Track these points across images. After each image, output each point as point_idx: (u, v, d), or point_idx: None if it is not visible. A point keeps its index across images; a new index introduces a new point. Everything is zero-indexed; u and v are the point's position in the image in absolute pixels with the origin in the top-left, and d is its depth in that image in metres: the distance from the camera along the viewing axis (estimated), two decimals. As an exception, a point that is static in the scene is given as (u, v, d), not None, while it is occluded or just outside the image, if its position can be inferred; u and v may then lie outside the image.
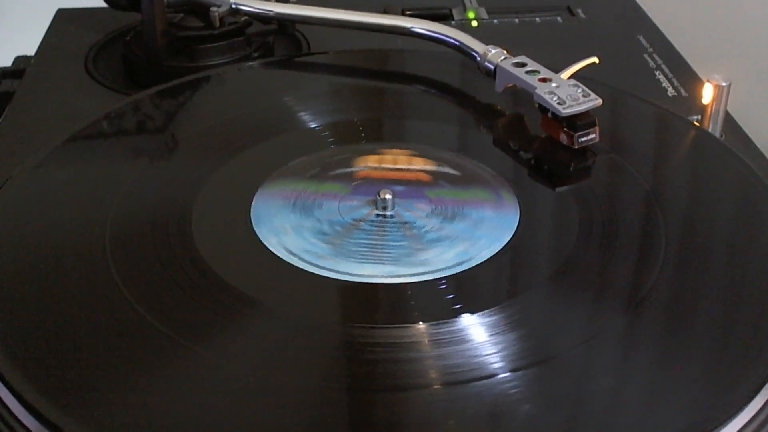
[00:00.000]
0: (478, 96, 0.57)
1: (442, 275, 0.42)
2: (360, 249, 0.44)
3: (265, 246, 0.44)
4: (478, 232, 0.45)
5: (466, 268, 0.43)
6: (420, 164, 0.50)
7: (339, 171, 0.50)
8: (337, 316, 0.41)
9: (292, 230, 0.45)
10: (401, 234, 0.45)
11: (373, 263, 0.43)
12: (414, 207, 0.47)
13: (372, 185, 0.48)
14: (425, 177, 0.50)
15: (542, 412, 0.36)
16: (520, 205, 0.47)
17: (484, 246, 0.44)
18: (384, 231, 0.45)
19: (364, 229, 0.45)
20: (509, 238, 0.45)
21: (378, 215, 0.46)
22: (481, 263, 0.43)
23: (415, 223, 0.46)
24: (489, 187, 0.49)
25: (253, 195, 0.47)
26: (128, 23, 0.67)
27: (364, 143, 0.52)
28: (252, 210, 0.46)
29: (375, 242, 0.45)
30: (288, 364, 0.38)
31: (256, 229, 0.45)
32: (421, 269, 0.43)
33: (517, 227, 0.45)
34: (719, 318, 0.41)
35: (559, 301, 0.42)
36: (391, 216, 0.46)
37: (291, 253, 0.44)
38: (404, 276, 0.42)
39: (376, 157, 0.51)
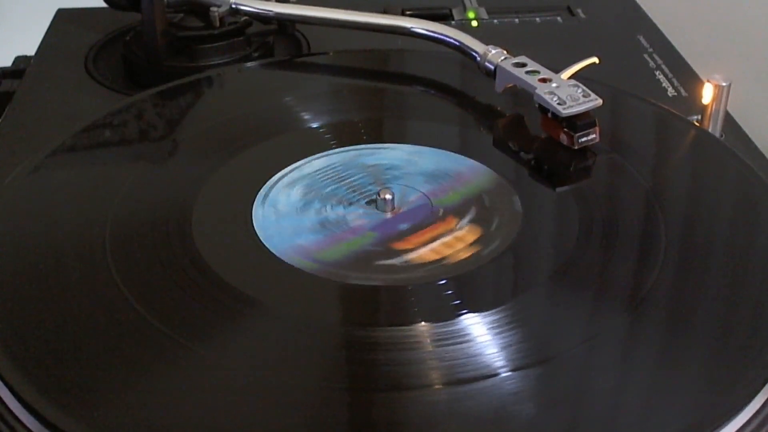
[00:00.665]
0: (478, 96, 0.57)
1: (442, 276, 0.42)
2: (361, 249, 0.44)
3: (265, 246, 0.44)
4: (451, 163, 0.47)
5: (467, 270, 0.43)
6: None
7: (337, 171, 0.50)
8: (337, 316, 0.41)
9: (293, 231, 0.45)
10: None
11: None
12: (414, 206, 0.47)
13: (371, 185, 0.48)
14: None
15: (543, 412, 0.36)
16: (520, 205, 0.47)
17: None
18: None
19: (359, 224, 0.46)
20: (509, 238, 0.45)
21: (378, 215, 0.46)
22: (481, 263, 0.43)
23: (415, 222, 0.46)
24: (488, 185, 0.49)
25: (253, 195, 0.47)
26: (128, 23, 0.67)
27: (363, 143, 0.52)
28: (252, 210, 0.46)
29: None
30: (288, 364, 0.38)
31: (256, 229, 0.45)
32: (422, 269, 0.43)
33: (517, 227, 0.45)
34: (719, 318, 0.41)
35: (559, 301, 0.42)
36: (392, 216, 0.46)
37: (293, 254, 0.43)
38: (405, 276, 0.42)
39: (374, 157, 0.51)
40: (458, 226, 0.46)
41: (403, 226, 0.46)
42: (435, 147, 0.52)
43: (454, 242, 0.45)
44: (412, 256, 0.44)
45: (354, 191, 0.48)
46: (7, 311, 0.40)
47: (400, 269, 0.43)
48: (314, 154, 0.51)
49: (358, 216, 0.46)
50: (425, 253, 0.44)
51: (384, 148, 0.52)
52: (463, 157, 0.51)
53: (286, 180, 0.49)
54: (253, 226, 0.45)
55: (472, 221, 0.46)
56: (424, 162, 0.50)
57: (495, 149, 0.53)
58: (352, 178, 0.49)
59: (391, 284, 0.42)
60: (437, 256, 0.44)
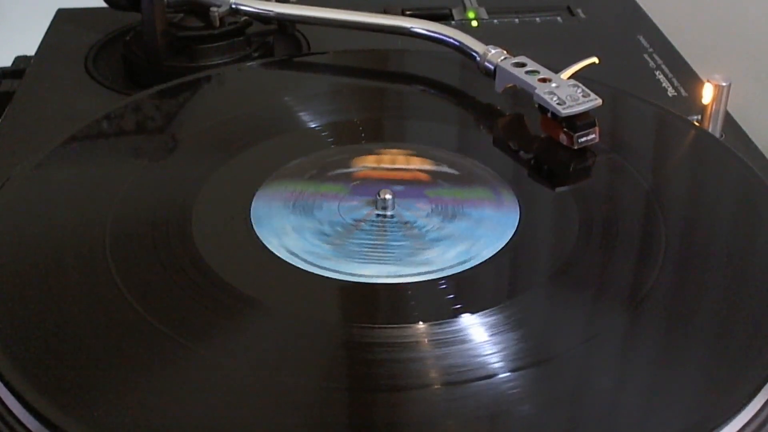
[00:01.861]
0: (478, 96, 0.57)
1: (443, 275, 0.42)
2: (361, 249, 0.44)
3: (265, 246, 0.44)
4: (479, 231, 0.45)
5: (467, 267, 0.43)
6: (418, 164, 0.50)
7: (338, 172, 0.49)
8: (337, 316, 0.41)
9: (293, 231, 0.45)
10: (402, 234, 0.45)
11: (375, 263, 0.43)
12: (414, 207, 0.47)
13: (371, 185, 0.48)
14: (424, 177, 0.49)
15: (542, 412, 0.36)
16: (520, 205, 0.47)
17: (484, 245, 0.44)
18: (385, 231, 0.45)
19: (364, 230, 0.45)
20: (509, 238, 0.45)
21: (378, 215, 0.46)
22: (481, 263, 0.43)
23: (415, 222, 0.46)
24: (488, 186, 0.49)
25: (253, 195, 0.47)
26: (128, 23, 0.67)
27: (364, 143, 0.52)
28: (252, 210, 0.46)
29: (376, 242, 0.45)
30: (288, 364, 0.38)
31: (256, 229, 0.45)
32: (422, 269, 0.43)
33: (517, 227, 0.45)
34: (719, 318, 0.41)
35: (559, 301, 0.42)
36: (392, 216, 0.46)
37: (293, 254, 0.43)
38: (405, 276, 0.42)
39: (373, 157, 0.51)
40: (459, 225, 0.46)
41: (404, 226, 0.46)
42: (435, 146, 0.51)
43: (455, 241, 0.45)
44: (413, 255, 0.44)
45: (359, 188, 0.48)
46: (7, 311, 0.40)
47: (402, 269, 0.43)
48: (315, 151, 0.51)
49: (358, 216, 0.46)
50: (427, 253, 0.44)
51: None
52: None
53: (281, 204, 0.47)
54: (253, 226, 0.45)
55: (472, 220, 0.46)
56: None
57: (495, 149, 0.53)
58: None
59: (391, 284, 0.42)
60: (439, 256, 0.44)
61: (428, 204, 0.47)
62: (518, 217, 0.46)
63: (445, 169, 0.50)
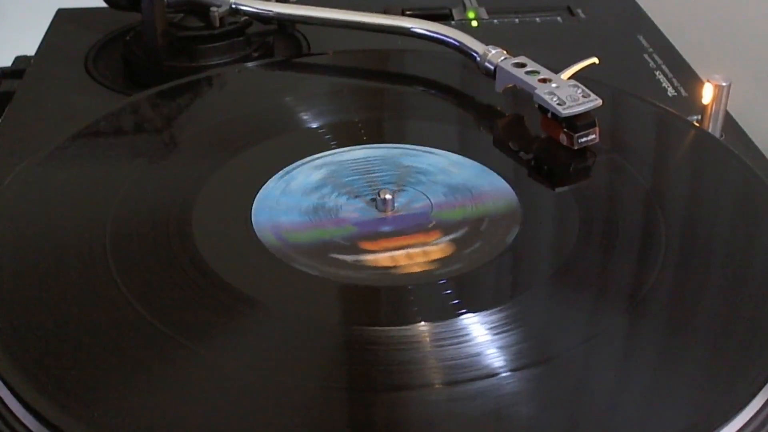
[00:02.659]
0: (478, 96, 0.57)
1: (444, 273, 0.42)
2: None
3: (265, 246, 0.44)
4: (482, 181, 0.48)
5: (467, 270, 0.43)
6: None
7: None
8: (337, 316, 0.41)
9: (291, 210, 0.45)
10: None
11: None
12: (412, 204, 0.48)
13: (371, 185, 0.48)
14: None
15: (542, 412, 0.36)
16: (519, 205, 0.47)
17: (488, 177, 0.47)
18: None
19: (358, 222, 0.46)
20: (509, 238, 0.45)
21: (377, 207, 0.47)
22: (481, 263, 0.43)
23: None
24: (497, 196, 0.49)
25: (254, 195, 0.47)
26: (128, 23, 0.67)
27: (365, 141, 0.52)
28: (252, 209, 0.46)
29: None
30: (288, 364, 0.38)
31: (256, 229, 0.45)
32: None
33: (517, 227, 0.45)
34: (719, 318, 0.41)
35: (559, 301, 0.42)
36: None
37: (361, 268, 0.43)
38: (347, 272, 0.42)
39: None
40: (435, 242, 0.45)
41: (386, 229, 0.46)
42: (473, 159, 0.51)
43: (417, 255, 0.44)
44: (367, 257, 0.43)
45: (369, 186, 0.48)
46: (7, 311, 0.40)
47: (347, 266, 0.43)
48: (318, 153, 0.51)
49: (353, 209, 0.47)
50: (381, 258, 0.43)
51: (431, 153, 0.51)
52: (498, 177, 0.49)
53: (317, 162, 0.49)
54: (253, 226, 0.45)
55: (452, 240, 0.45)
56: (457, 174, 0.49)
57: (495, 149, 0.53)
58: (378, 174, 0.49)
59: (391, 284, 0.42)
60: (389, 264, 0.43)
61: (426, 214, 0.47)
62: (518, 216, 0.46)
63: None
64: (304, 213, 0.46)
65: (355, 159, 0.50)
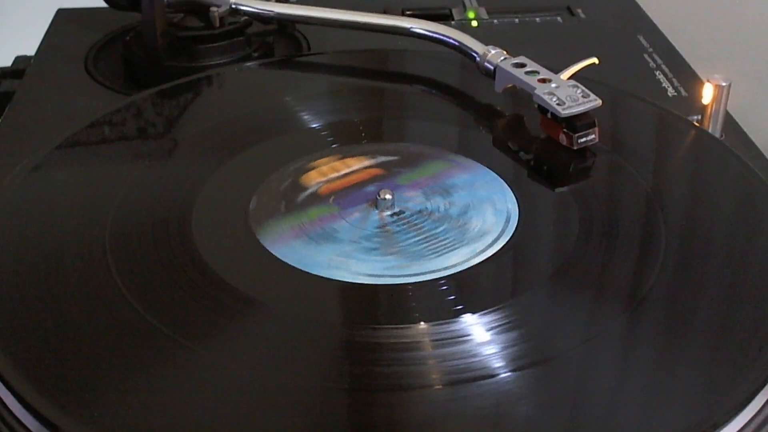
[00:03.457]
0: (478, 96, 0.57)
1: (446, 274, 0.42)
2: (420, 247, 0.44)
3: (265, 246, 0.44)
4: (481, 192, 0.47)
5: (467, 267, 0.43)
6: (358, 163, 0.50)
7: (303, 196, 0.48)
8: (337, 316, 0.41)
9: (347, 259, 0.43)
10: (432, 220, 0.46)
11: (447, 252, 0.44)
12: (406, 197, 0.47)
13: (346, 196, 0.48)
14: (378, 171, 0.50)
15: (542, 412, 0.36)
16: (520, 206, 0.47)
17: (502, 200, 0.47)
18: (415, 224, 0.46)
19: (398, 231, 0.45)
20: (509, 238, 0.45)
21: (393, 214, 0.46)
22: (481, 263, 0.43)
23: (427, 208, 0.47)
24: (437, 158, 0.50)
25: (253, 195, 0.47)
26: (128, 23, 0.67)
27: (365, 143, 0.52)
28: (252, 221, 0.46)
29: (422, 236, 0.45)
30: (288, 364, 0.38)
31: (255, 229, 0.45)
32: (488, 239, 0.44)
33: (517, 227, 0.45)
34: (719, 318, 0.41)
35: (559, 301, 0.42)
36: (402, 211, 0.46)
37: (375, 275, 0.42)
38: (408, 275, 0.42)
39: (314, 173, 0.50)
40: (463, 195, 0.47)
41: (423, 213, 0.46)
42: (474, 159, 0.51)
43: (480, 207, 0.46)
44: (466, 233, 0.44)
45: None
46: (7, 311, 0.40)
47: (347, 266, 0.43)
48: (315, 152, 0.51)
49: (376, 223, 0.46)
50: (474, 223, 0.45)
51: (465, 162, 0.50)
52: (498, 177, 0.49)
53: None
54: (252, 227, 0.45)
55: (464, 186, 0.47)
56: (459, 176, 0.49)
57: (495, 149, 0.53)
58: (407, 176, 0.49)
59: (391, 284, 0.42)
60: (486, 222, 0.45)
61: (414, 190, 0.47)
62: (518, 216, 0.46)
63: (383, 158, 0.50)
64: (374, 247, 0.45)
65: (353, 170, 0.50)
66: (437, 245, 0.44)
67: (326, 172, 0.50)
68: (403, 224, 0.46)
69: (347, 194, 0.48)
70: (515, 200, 0.47)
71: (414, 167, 0.50)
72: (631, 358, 0.39)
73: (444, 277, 0.42)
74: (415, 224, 0.46)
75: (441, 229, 0.45)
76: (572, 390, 0.37)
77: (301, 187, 0.49)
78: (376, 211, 0.47)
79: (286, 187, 0.48)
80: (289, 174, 0.49)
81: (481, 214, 0.46)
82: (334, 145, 0.52)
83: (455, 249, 0.44)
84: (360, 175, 0.49)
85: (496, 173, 0.49)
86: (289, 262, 0.43)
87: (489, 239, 0.44)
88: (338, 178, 0.49)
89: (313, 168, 0.50)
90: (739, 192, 0.49)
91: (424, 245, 0.44)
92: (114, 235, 0.44)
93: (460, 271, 0.43)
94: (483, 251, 0.44)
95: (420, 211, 0.46)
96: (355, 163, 0.50)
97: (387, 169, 0.50)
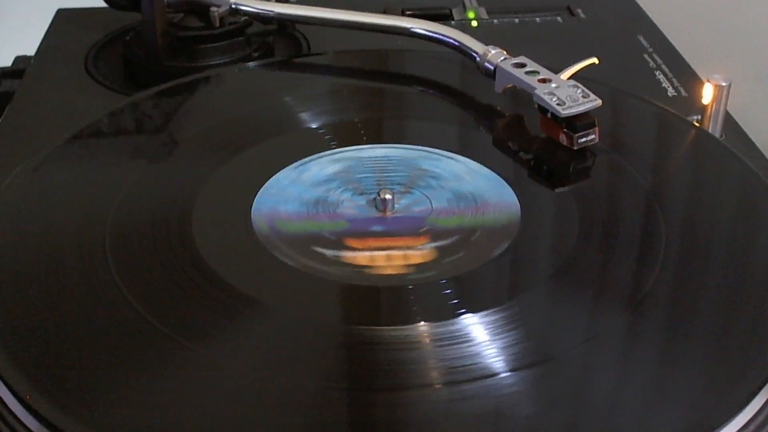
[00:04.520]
0: (478, 96, 0.57)
1: (446, 274, 0.42)
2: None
3: (265, 246, 0.44)
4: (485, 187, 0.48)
5: (467, 270, 0.43)
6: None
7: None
8: (337, 316, 0.41)
9: (292, 200, 0.45)
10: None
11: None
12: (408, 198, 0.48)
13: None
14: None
15: (542, 412, 0.36)
16: (520, 206, 0.47)
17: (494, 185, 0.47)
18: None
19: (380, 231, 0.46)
20: (509, 238, 0.45)
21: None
22: (481, 263, 0.43)
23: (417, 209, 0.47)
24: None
25: (253, 195, 0.47)
26: (128, 23, 0.67)
27: (365, 142, 0.52)
28: (252, 210, 0.46)
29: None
30: (288, 364, 0.38)
31: (255, 228, 0.45)
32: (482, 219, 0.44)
33: (517, 227, 0.45)
34: (719, 318, 0.41)
35: (559, 301, 0.42)
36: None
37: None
38: (326, 267, 0.43)
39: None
40: (419, 247, 0.44)
41: (377, 228, 0.46)
42: (473, 159, 0.51)
43: (396, 258, 0.44)
44: (346, 254, 0.44)
45: (378, 185, 0.48)
46: (7, 311, 0.40)
47: (327, 262, 0.43)
48: (316, 153, 0.51)
49: (352, 206, 0.47)
50: (360, 257, 0.44)
51: (452, 158, 0.51)
52: (510, 190, 0.48)
53: (336, 156, 0.49)
54: (252, 226, 0.45)
55: (437, 248, 0.44)
56: (469, 182, 0.49)
57: (495, 149, 0.53)
58: (390, 174, 0.49)
59: (391, 284, 0.42)
60: (366, 263, 0.43)
61: (423, 219, 0.47)
62: (518, 217, 0.46)
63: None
64: (303, 204, 0.47)
65: (375, 157, 0.51)
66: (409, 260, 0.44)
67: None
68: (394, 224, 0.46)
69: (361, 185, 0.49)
70: (518, 208, 0.47)
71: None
72: (631, 358, 0.39)
73: (444, 277, 0.42)
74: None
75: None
76: (572, 390, 0.37)
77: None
78: (371, 204, 0.47)
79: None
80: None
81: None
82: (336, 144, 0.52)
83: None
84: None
85: (497, 173, 0.49)
86: (281, 257, 0.43)
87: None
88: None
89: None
90: (739, 192, 0.49)
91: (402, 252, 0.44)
92: (114, 235, 0.44)
93: (461, 271, 0.43)
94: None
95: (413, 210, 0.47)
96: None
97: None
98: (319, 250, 0.44)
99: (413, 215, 0.47)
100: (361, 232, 0.45)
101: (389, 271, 0.43)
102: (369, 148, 0.51)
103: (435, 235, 0.45)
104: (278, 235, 0.45)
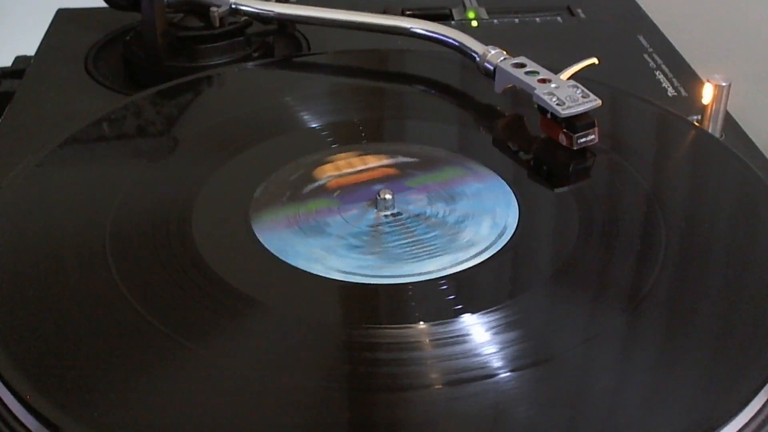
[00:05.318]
0: (478, 96, 0.57)
1: (446, 274, 0.42)
2: (404, 250, 0.44)
3: (265, 246, 0.44)
4: (486, 203, 0.47)
5: (466, 268, 0.43)
6: (376, 161, 0.50)
7: (309, 188, 0.48)
8: (337, 316, 0.41)
9: (326, 252, 0.44)
10: (426, 225, 0.46)
11: (429, 258, 0.43)
12: (409, 199, 0.47)
13: (352, 191, 0.48)
14: (392, 171, 0.50)
15: (542, 412, 0.36)
16: (520, 206, 0.47)
17: (504, 213, 0.46)
18: (408, 228, 0.45)
19: (388, 232, 0.45)
20: (509, 238, 0.45)
21: (388, 215, 0.46)
22: (481, 263, 0.43)
23: (426, 212, 0.46)
24: (455, 164, 0.50)
25: (253, 195, 0.47)
26: (128, 23, 0.67)
27: (364, 143, 0.52)
28: (252, 209, 0.46)
29: (410, 240, 0.45)
30: (288, 364, 0.38)
31: (255, 229, 0.45)
32: (474, 251, 0.43)
33: (517, 227, 0.45)
34: (719, 318, 0.41)
35: (559, 301, 0.42)
36: (400, 213, 0.46)
37: (348, 273, 0.43)
38: (407, 276, 0.42)
39: (330, 165, 0.50)
40: (465, 203, 0.46)
41: (419, 217, 0.46)
42: (473, 158, 0.51)
43: (478, 216, 0.45)
44: (454, 241, 0.44)
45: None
46: (7, 311, 0.40)
47: (458, 255, 0.43)
48: (315, 153, 0.51)
49: (370, 222, 0.46)
50: (464, 234, 0.44)
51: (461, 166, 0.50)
52: (498, 177, 0.49)
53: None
54: (252, 226, 0.45)
55: (471, 196, 0.47)
56: (457, 179, 0.49)
57: (495, 149, 0.53)
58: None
59: (391, 284, 0.42)
60: (477, 233, 0.44)
61: (420, 194, 0.47)
62: (518, 217, 0.46)
63: (402, 159, 0.50)
64: (358, 245, 0.45)
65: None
66: (420, 250, 0.44)
67: (341, 167, 0.50)
68: (396, 226, 0.46)
69: (353, 191, 0.48)
70: (517, 208, 0.47)
71: (429, 171, 0.49)
72: (631, 358, 0.39)
73: (444, 276, 0.42)
74: (408, 227, 0.46)
75: (431, 234, 0.45)
76: (572, 390, 0.37)
77: (311, 179, 0.49)
78: (374, 210, 0.47)
79: (296, 178, 0.49)
80: (304, 165, 0.50)
81: (477, 225, 0.45)
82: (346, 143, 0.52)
83: (437, 256, 0.43)
84: (372, 173, 0.50)
85: (498, 174, 0.49)
86: (274, 252, 0.43)
87: (473, 251, 0.44)
88: (351, 173, 0.50)
89: (330, 162, 0.50)
90: (739, 192, 0.49)
91: (408, 249, 0.44)
92: (114, 235, 0.44)
93: (461, 272, 0.43)
94: (463, 261, 0.43)
95: (418, 215, 0.46)
96: (373, 161, 0.50)
97: (402, 170, 0.50)
98: (339, 255, 0.43)
99: (415, 212, 0.47)
100: (371, 231, 0.45)
101: (389, 271, 0.43)
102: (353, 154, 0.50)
103: (444, 228, 0.46)
104: (291, 246, 0.44)
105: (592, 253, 0.44)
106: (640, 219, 0.46)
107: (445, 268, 0.43)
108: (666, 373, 0.38)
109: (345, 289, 0.42)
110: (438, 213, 0.46)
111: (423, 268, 0.43)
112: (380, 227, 0.46)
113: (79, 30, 0.68)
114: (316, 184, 0.49)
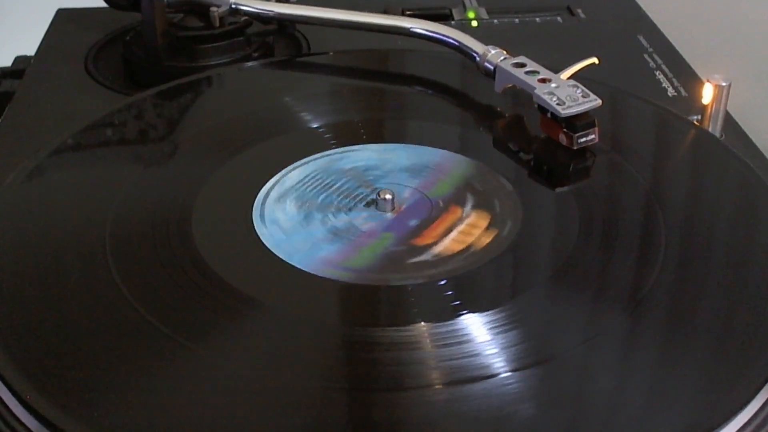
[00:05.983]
0: (478, 96, 0.57)
1: (444, 274, 0.42)
2: (403, 250, 0.44)
3: (265, 246, 0.44)
4: (487, 201, 0.47)
5: (467, 270, 0.43)
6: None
7: (310, 188, 0.49)
8: (337, 316, 0.41)
9: (325, 253, 0.44)
10: (425, 225, 0.46)
11: (428, 258, 0.43)
12: (410, 199, 0.48)
13: (354, 192, 0.48)
14: None
15: (542, 412, 0.36)
16: (520, 206, 0.47)
17: (510, 213, 0.46)
18: (407, 228, 0.46)
19: (388, 232, 0.45)
20: (509, 238, 0.45)
21: (388, 216, 0.46)
22: (481, 263, 0.43)
23: (426, 212, 0.47)
24: (455, 162, 0.50)
25: (253, 195, 0.47)
26: (128, 23, 0.67)
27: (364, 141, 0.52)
28: (252, 210, 0.46)
29: (409, 239, 0.45)
30: (288, 364, 0.38)
31: (256, 228, 0.45)
32: (473, 250, 0.44)
33: (518, 227, 0.45)
34: (719, 318, 0.41)
35: (559, 301, 0.42)
36: (400, 213, 0.47)
37: (345, 272, 0.43)
38: (439, 269, 0.42)
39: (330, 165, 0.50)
40: (465, 214, 0.46)
41: (413, 223, 0.46)
42: (411, 143, 0.52)
43: (470, 229, 0.45)
44: (438, 249, 0.44)
45: (347, 197, 0.48)
46: (7, 311, 0.40)
47: (433, 264, 0.43)
48: (303, 157, 0.51)
49: (364, 220, 0.46)
50: (450, 244, 0.44)
51: (352, 151, 0.51)
52: (433, 148, 0.51)
53: (273, 195, 0.48)
54: (253, 226, 0.45)
55: (474, 207, 0.46)
56: (397, 158, 0.50)
57: (495, 149, 0.53)
58: (338, 185, 0.49)
59: (391, 284, 0.42)
60: (462, 246, 0.44)
61: (420, 194, 0.48)
62: (518, 217, 0.46)
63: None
64: (331, 241, 0.45)
65: (300, 181, 0.49)
66: (420, 250, 0.44)
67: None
68: (396, 225, 0.46)
69: (354, 191, 0.48)
70: (517, 208, 0.47)
71: (429, 171, 0.50)
72: (631, 358, 0.39)
73: (444, 276, 0.42)
74: (408, 227, 0.46)
75: (431, 234, 0.45)
76: (572, 390, 0.37)
77: (311, 179, 0.49)
78: (375, 211, 0.47)
79: (297, 179, 0.49)
80: (304, 165, 0.50)
81: (476, 224, 0.45)
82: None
83: (437, 256, 0.43)
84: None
85: (498, 174, 0.49)
86: (275, 252, 0.43)
87: (474, 251, 0.44)
88: (353, 173, 0.50)
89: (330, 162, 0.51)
90: (739, 192, 0.49)
91: (408, 249, 0.44)
92: (114, 235, 0.44)
93: (461, 272, 0.43)
94: (463, 261, 0.43)
95: (418, 215, 0.46)
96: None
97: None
98: (412, 261, 0.43)
99: (415, 200, 0.47)
100: (411, 231, 0.45)
101: (486, 239, 0.43)
102: (282, 177, 0.49)
103: (454, 200, 0.46)
104: (363, 271, 0.43)
105: (593, 253, 0.44)
106: (640, 219, 0.46)
107: (445, 268, 0.43)
108: (666, 373, 0.38)
109: (345, 289, 0.42)
110: (438, 213, 0.46)
111: (423, 268, 0.43)
112: (380, 227, 0.46)
113: (79, 30, 0.68)
114: (317, 184, 0.49)
